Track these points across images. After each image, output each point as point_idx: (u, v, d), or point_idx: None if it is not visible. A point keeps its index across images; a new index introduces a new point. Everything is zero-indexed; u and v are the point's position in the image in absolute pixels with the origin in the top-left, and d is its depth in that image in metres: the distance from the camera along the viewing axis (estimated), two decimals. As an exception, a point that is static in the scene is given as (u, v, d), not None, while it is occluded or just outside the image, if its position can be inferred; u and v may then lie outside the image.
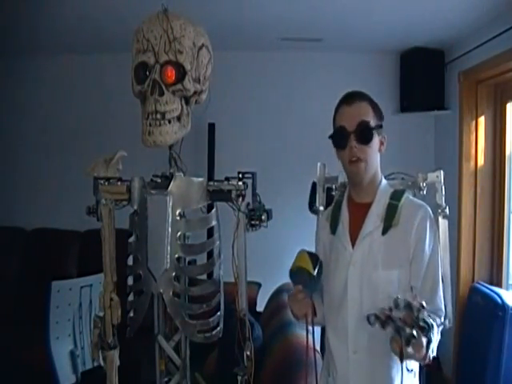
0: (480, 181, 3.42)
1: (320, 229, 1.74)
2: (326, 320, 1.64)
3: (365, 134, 1.51)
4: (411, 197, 1.60)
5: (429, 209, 1.55)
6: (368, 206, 1.56)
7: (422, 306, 1.24)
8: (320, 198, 1.79)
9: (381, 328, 1.27)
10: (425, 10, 2.99)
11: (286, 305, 2.75)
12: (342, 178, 1.82)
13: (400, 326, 1.25)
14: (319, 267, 1.49)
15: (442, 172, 1.61)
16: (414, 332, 1.23)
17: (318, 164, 1.81)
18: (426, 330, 1.24)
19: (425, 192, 1.62)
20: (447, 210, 1.60)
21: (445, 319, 1.52)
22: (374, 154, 1.54)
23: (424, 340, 1.25)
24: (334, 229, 1.62)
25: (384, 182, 1.61)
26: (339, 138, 1.54)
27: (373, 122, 1.53)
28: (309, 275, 1.47)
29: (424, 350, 1.28)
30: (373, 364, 1.50)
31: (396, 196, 1.55)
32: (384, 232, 1.51)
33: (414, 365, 1.49)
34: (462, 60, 3.50)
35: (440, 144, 4.01)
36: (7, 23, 3.31)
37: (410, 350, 1.25)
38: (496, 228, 3.39)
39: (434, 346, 1.39)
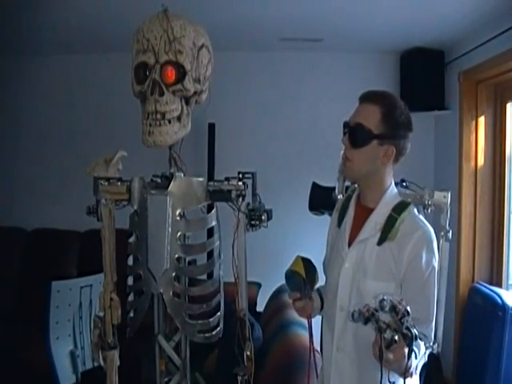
0: (480, 181, 3.42)
1: (332, 220, 1.72)
2: (324, 309, 1.66)
3: (354, 137, 1.47)
4: (416, 213, 1.52)
5: (429, 231, 1.48)
6: (370, 211, 1.54)
7: (407, 312, 1.19)
8: (340, 186, 1.77)
9: (363, 324, 1.24)
10: (425, 10, 2.99)
11: (286, 305, 2.76)
12: None
13: (382, 327, 1.21)
14: (312, 271, 1.56)
15: (449, 194, 1.57)
16: (396, 337, 1.19)
17: (342, 152, 1.78)
18: (409, 338, 1.19)
19: (429, 211, 1.58)
20: (450, 234, 1.56)
21: (433, 343, 1.47)
22: (366, 161, 1.48)
23: (406, 349, 1.19)
24: (339, 222, 1.63)
25: (392, 190, 1.55)
26: (343, 133, 1.53)
27: (375, 129, 1.45)
28: (302, 279, 1.54)
29: (404, 360, 1.20)
30: (353, 365, 1.49)
31: (398, 209, 1.49)
32: (379, 243, 1.48)
33: (395, 377, 1.39)
34: (462, 60, 3.50)
35: (440, 144, 4.01)
36: (6, 23, 3.31)
37: (390, 355, 1.20)
38: (496, 228, 3.39)
39: (418, 363, 1.36)
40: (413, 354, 1.29)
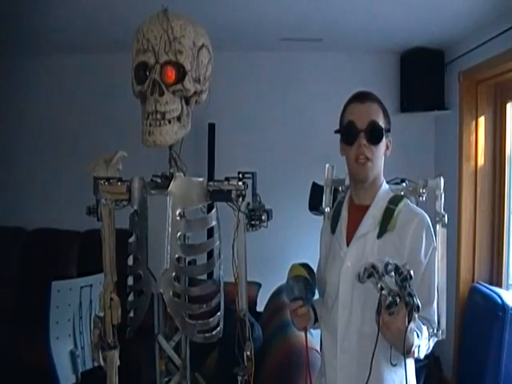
0: (480, 181, 3.42)
1: (323, 229, 1.75)
2: (321, 318, 1.65)
3: (375, 134, 1.52)
4: (411, 204, 1.58)
5: (427, 218, 1.53)
6: (366, 208, 1.57)
7: (410, 276, 1.23)
8: (327, 199, 1.79)
9: (367, 279, 1.27)
10: (425, 10, 2.99)
11: (285, 305, 2.76)
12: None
13: (384, 286, 1.25)
14: (312, 271, 1.59)
15: (441, 179, 1.60)
16: (398, 300, 1.23)
17: (327, 166, 1.81)
18: (411, 305, 1.23)
19: (424, 199, 1.61)
20: (446, 219, 1.58)
21: (437, 331, 1.50)
22: (380, 156, 1.55)
23: (405, 316, 1.23)
24: (333, 228, 1.65)
25: (385, 186, 1.61)
26: (348, 134, 1.54)
27: (382, 124, 1.54)
28: (304, 279, 1.55)
29: (401, 325, 1.25)
30: (360, 365, 1.48)
31: (394, 201, 1.54)
32: (379, 236, 1.51)
33: (399, 362, 1.41)
34: (462, 60, 3.50)
35: (440, 144, 4.01)
36: (6, 23, 3.31)
37: (387, 316, 1.25)
38: (496, 228, 3.39)
39: (421, 346, 1.40)
40: (415, 333, 1.33)
